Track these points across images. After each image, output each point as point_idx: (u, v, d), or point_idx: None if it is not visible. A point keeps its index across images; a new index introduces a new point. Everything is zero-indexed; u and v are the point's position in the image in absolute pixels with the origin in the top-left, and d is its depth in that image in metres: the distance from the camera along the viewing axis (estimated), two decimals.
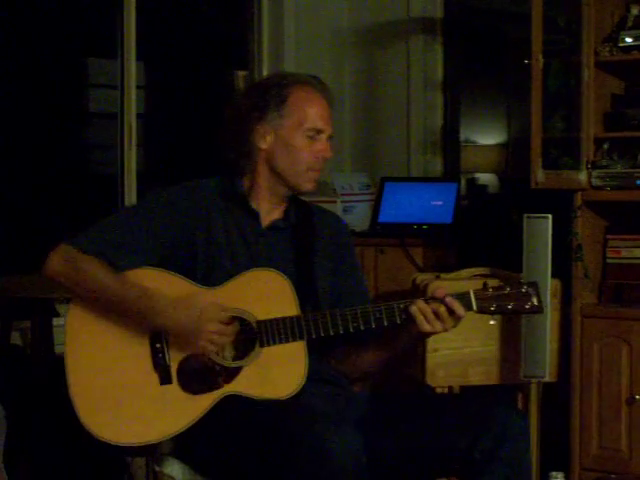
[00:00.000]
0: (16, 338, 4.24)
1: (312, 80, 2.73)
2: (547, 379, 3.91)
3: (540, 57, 3.97)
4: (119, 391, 2.56)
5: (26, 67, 4.70)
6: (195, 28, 5.43)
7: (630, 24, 4.05)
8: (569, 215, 4.04)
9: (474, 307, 2.58)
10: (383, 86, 5.35)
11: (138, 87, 4.92)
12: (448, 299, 2.55)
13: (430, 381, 3.87)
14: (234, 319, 2.58)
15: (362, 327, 2.57)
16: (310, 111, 2.67)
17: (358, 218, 4.74)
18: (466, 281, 3.97)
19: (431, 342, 3.76)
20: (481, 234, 4.76)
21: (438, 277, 4.01)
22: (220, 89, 5.63)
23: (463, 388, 3.94)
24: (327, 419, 2.38)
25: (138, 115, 4.91)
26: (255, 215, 2.70)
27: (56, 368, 3.92)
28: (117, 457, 2.60)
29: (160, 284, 2.59)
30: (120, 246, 2.61)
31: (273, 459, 2.39)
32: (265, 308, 2.58)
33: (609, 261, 4.13)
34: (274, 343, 2.56)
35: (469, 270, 4.06)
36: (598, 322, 4.00)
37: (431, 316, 2.55)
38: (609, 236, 4.14)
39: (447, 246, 4.60)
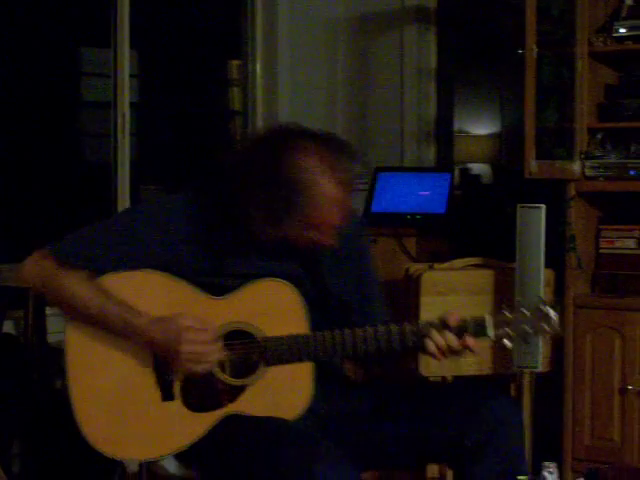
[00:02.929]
0: (9, 327, 4.23)
1: (336, 165, 2.44)
2: (540, 369, 3.91)
3: (534, 47, 3.96)
4: (121, 405, 2.50)
5: (19, 56, 4.68)
6: (189, 17, 5.42)
7: (624, 14, 4.04)
8: (562, 205, 4.04)
9: (491, 335, 2.49)
10: (377, 76, 5.34)
11: (131, 76, 4.91)
12: (469, 340, 2.47)
13: (423, 371, 3.87)
14: (238, 333, 2.51)
15: (371, 350, 2.50)
16: (325, 216, 2.46)
17: None
18: (460, 271, 3.98)
19: None
20: (474, 224, 4.75)
21: (431, 267, 4.01)
22: (214, 78, 5.62)
23: (456, 378, 3.94)
24: (327, 455, 2.31)
25: (131, 104, 4.89)
26: None
27: (49, 358, 3.94)
28: None
29: (161, 290, 2.51)
30: (99, 259, 2.50)
31: None
32: (273, 323, 2.50)
33: (602, 251, 4.13)
34: (280, 363, 2.49)
35: (462, 260, 4.06)
36: (591, 312, 4.00)
37: (446, 350, 2.48)
38: (602, 226, 4.14)
39: (440, 236, 4.59)
